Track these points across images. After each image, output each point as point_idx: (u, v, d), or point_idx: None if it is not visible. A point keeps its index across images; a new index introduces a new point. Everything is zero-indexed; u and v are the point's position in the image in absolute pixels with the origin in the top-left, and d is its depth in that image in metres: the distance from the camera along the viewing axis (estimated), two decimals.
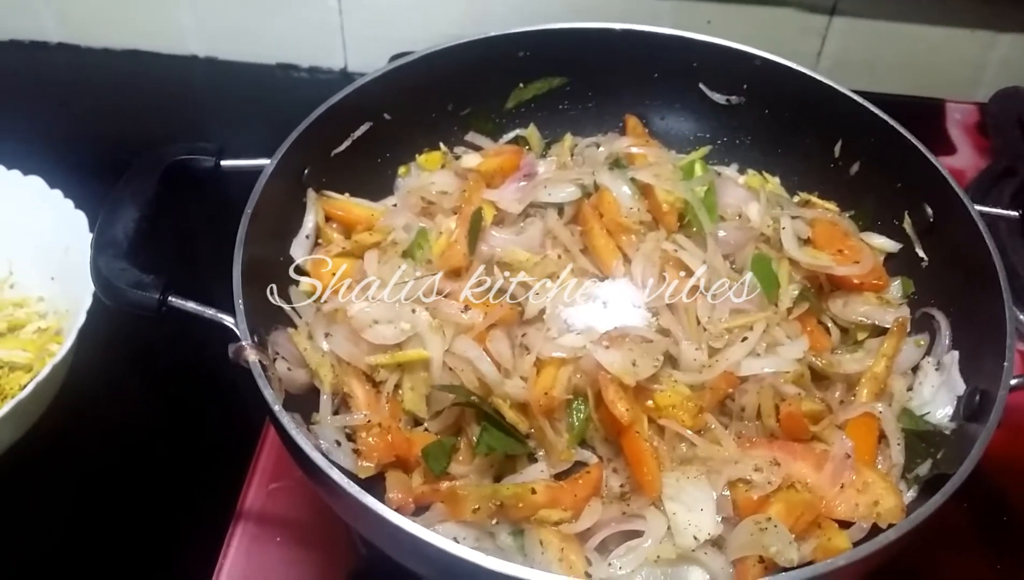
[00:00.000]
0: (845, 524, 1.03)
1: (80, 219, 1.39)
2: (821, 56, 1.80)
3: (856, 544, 0.99)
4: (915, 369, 1.18)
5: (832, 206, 1.34)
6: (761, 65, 1.33)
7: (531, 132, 1.44)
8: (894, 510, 1.01)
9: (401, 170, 1.39)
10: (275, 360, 1.06)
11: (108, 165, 1.19)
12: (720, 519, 1.02)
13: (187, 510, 1.27)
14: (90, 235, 1.32)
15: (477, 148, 1.42)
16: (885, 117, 1.24)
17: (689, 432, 1.07)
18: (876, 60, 1.78)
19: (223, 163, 1.17)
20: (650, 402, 1.09)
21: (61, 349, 1.26)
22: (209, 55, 1.95)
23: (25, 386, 1.20)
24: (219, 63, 1.95)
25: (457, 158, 1.39)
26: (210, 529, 1.23)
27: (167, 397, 1.43)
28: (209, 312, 1.02)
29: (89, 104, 1.86)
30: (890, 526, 0.98)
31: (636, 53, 1.38)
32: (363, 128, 1.30)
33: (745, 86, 1.37)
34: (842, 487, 1.03)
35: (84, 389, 1.34)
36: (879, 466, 1.09)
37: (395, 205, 1.33)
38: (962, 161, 1.73)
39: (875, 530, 1.02)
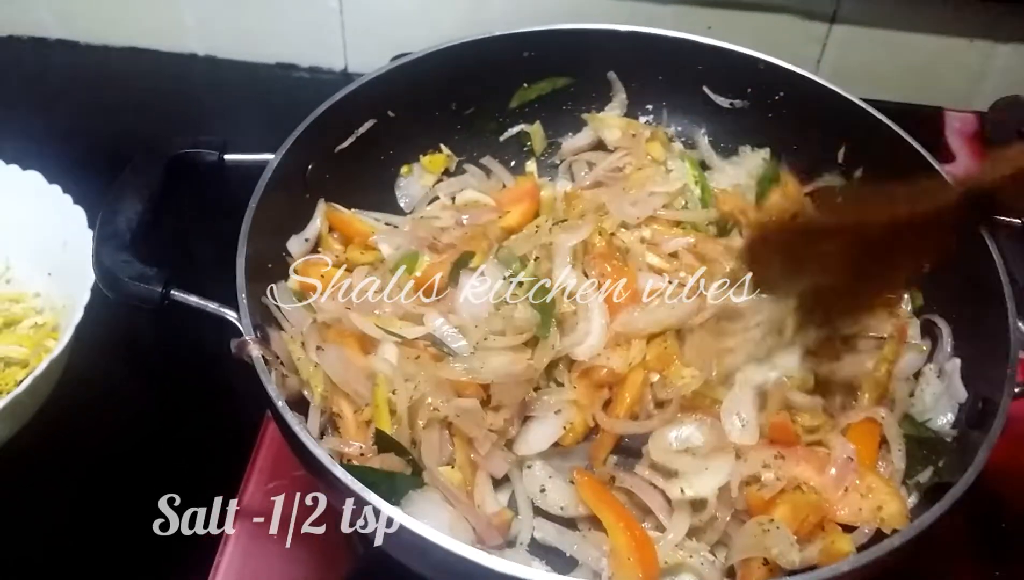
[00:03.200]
0: (849, 528, 1.03)
1: (79, 214, 1.38)
2: (821, 63, 1.80)
3: (859, 549, 0.99)
4: (917, 375, 1.18)
5: None
6: (765, 69, 1.33)
7: (535, 129, 1.44)
8: (898, 515, 1.01)
9: (403, 169, 1.39)
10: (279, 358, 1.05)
11: (107, 161, 1.18)
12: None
13: (184, 508, 1.25)
14: (88, 231, 1.34)
15: (487, 170, 1.42)
16: (889, 123, 1.24)
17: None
18: (876, 68, 1.79)
19: (227, 157, 1.17)
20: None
21: (58, 345, 1.25)
22: (209, 53, 1.94)
23: (21, 382, 1.19)
24: (219, 61, 1.94)
25: (464, 170, 1.41)
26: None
27: (164, 394, 1.41)
28: (212, 306, 1.02)
29: (88, 101, 1.85)
30: (894, 531, 0.98)
31: (641, 55, 1.38)
32: (367, 125, 1.30)
33: (749, 89, 1.38)
34: (846, 491, 1.03)
35: (80, 385, 1.33)
36: (881, 471, 1.09)
37: (391, 226, 1.33)
38: (961, 169, 1.73)
39: (878, 535, 1.02)
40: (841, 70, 1.78)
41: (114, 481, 1.30)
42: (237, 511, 1.24)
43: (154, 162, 1.13)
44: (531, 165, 1.46)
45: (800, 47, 1.77)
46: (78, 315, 1.28)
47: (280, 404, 0.94)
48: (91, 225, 1.33)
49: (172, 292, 1.02)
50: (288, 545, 1.21)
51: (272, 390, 0.95)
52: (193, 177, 1.16)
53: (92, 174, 1.25)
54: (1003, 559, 1.23)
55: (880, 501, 1.02)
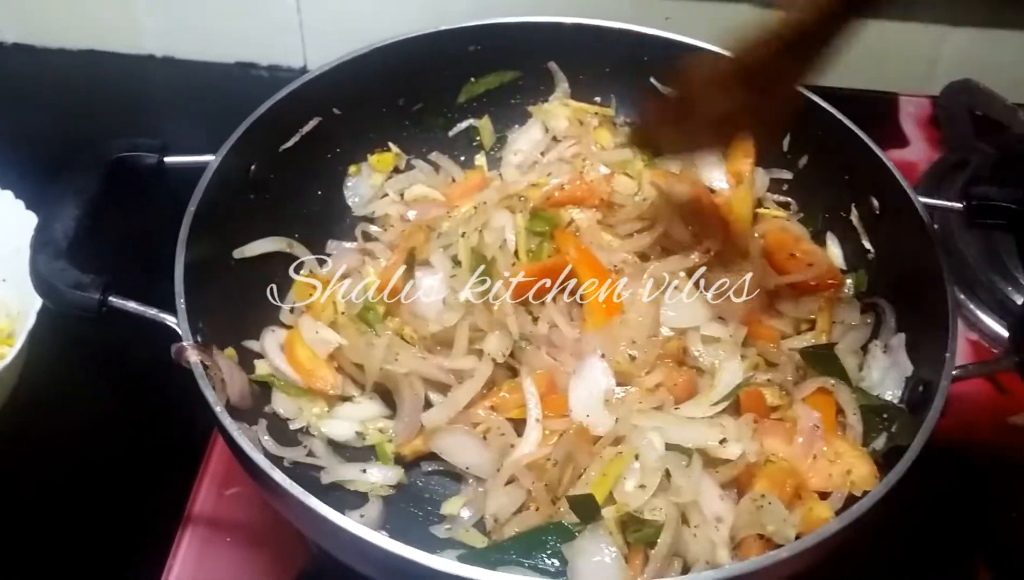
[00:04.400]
0: (823, 496, 1.05)
1: (32, 220, 1.36)
2: None
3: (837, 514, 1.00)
4: (864, 350, 1.19)
5: (780, 213, 1.35)
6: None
7: (484, 124, 1.44)
8: (868, 477, 1.02)
9: (352, 169, 1.38)
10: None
11: (62, 166, 1.16)
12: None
13: (137, 513, 1.26)
14: None
15: (436, 166, 1.42)
16: (832, 110, 1.24)
17: None
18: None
19: (167, 160, 1.16)
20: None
21: (11, 351, 1.25)
22: (167, 54, 1.92)
23: None
24: (177, 62, 1.92)
25: (413, 167, 1.40)
26: (160, 531, 1.22)
27: (120, 400, 1.40)
28: (151, 312, 1.02)
29: (45, 104, 1.83)
30: (865, 493, 0.97)
31: (587, 47, 1.37)
32: (312, 123, 1.29)
33: None
34: (815, 458, 1.05)
35: (35, 392, 1.33)
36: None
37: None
38: (915, 154, 1.74)
39: (849, 499, 1.02)
40: None
41: (68, 486, 1.29)
42: (189, 515, 1.24)
43: (92, 166, 1.12)
44: (480, 159, 1.45)
45: None
46: (31, 321, 1.27)
47: (219, 409, 0.93)
48: None
49: (110, 298, 1.01)
50: (240, 547, 1.21)
51: (210, 395, 0.94)
52: (134, 181, 1.15)
53: (46, 180, 1.21)
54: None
55: (849, 465, 1.04)
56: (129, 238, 1.39)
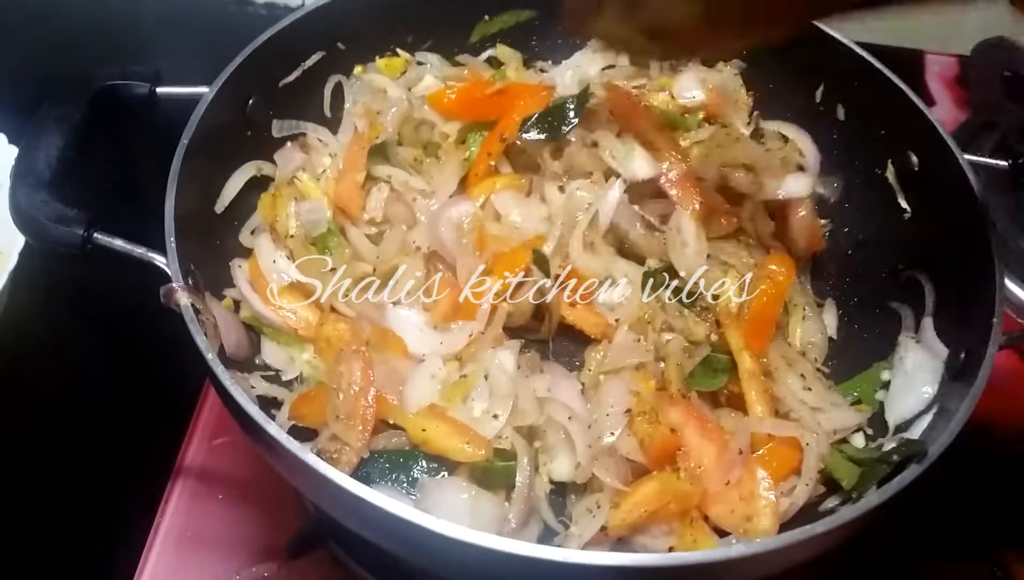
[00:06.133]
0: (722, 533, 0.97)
1: (13, 154, 1.30)
2: None
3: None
4: (894, 346, 1.11)
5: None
6: None
7: (502, 50, 1.34)
8: (763, 533, 0.94)
9: (357, 69, 1.28)
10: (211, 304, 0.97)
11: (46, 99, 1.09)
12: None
13: (124, 464, 1.20)
14: None
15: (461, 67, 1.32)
16: (871, 59, 1.17)
17: None
18: None
19: (159, 90, 1.08)
20: None
21: None
22: None
23: None
24: None
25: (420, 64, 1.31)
26: (149, 485, 1.17)
27: (106, 344, 1.35)
28: (139, 251, 0.94)
29: (30, 36, 1.74)
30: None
31: None
32: (315, 57, 1.21)
33: None
34: (727, 484, 0.96)
35: (18, 337, 1.26)
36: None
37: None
38: (941, 114, 1.68)
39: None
40: None
41: (56, 432, 1.23)
42: (179, 468, 1.18)
43: (77, 94, 1.04)
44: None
45: None
46: (12, 261, 1.22)
47: (211, 357, 0.86)
48: None
49: (95, 235, 0.94)
50: (233, 504, 1.15)
51: (201, 342, 0.87)
52: (123, 111, 1.07)
53: (29, 112, 1.16)
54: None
55: (753, 511, 0.95)
56: (117, 172, 1.32)
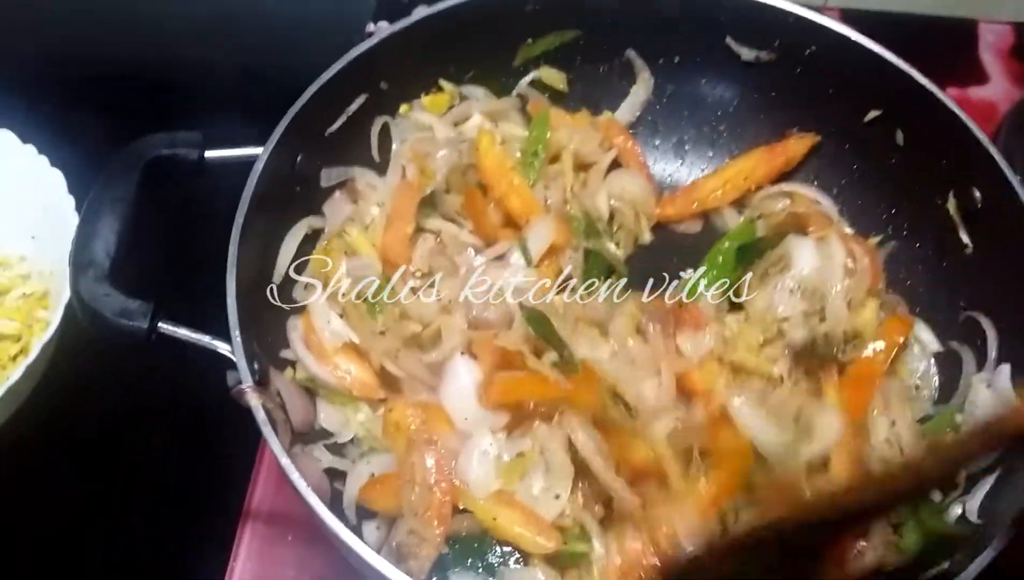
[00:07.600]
0: None
1: (57, 178, 1.31)
2: None
3: None
4: (967, 387, 1.10)
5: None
6: (795, 23, 1.21)
7: (547, 72, 1.32)
8: None
9: (403, 109, 1.27)
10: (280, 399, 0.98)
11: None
12: None
13: (194, 505, 1.22)
14: (69, 197, 1.27)
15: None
16: (933, 89, 1.13)
17: None
18: None
19: (208, 154, 1.07)
20: None
21: (49, 327, 1.19)
22: None
23: (15, 358, 1.14)
24: None
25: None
26: (220, 528, 1.19)
27: (165, 379, 1.35)
28: (205, 340, 0.96)
29: (38, 32, 1.69)
30: None
31: (658, 4, 1.25)
32: (358, 101, 1.19)
33: (777, 43, 1.25)
34: None
35: (74, 370, 1.25)
36: None
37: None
38: (994, 91, 1.61)
39: None
40: None
41: (116, 467, 1.25)
42: (247, 511, 1.21)
43: (129, 169, 1.03)
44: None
45: None
46: (67, 293, 1.18)
47: (285, 462, 0.88)
48: (71, 190, 1.27)
49: (160, 325, 0.95)
50: (302, 545, 1.19)
51: (275, 445, 0.89)
52: (172, 180, 1.06)
53: (70, 132, 1.15)
54: None
55: None
56: (170, 245, 1.30)
